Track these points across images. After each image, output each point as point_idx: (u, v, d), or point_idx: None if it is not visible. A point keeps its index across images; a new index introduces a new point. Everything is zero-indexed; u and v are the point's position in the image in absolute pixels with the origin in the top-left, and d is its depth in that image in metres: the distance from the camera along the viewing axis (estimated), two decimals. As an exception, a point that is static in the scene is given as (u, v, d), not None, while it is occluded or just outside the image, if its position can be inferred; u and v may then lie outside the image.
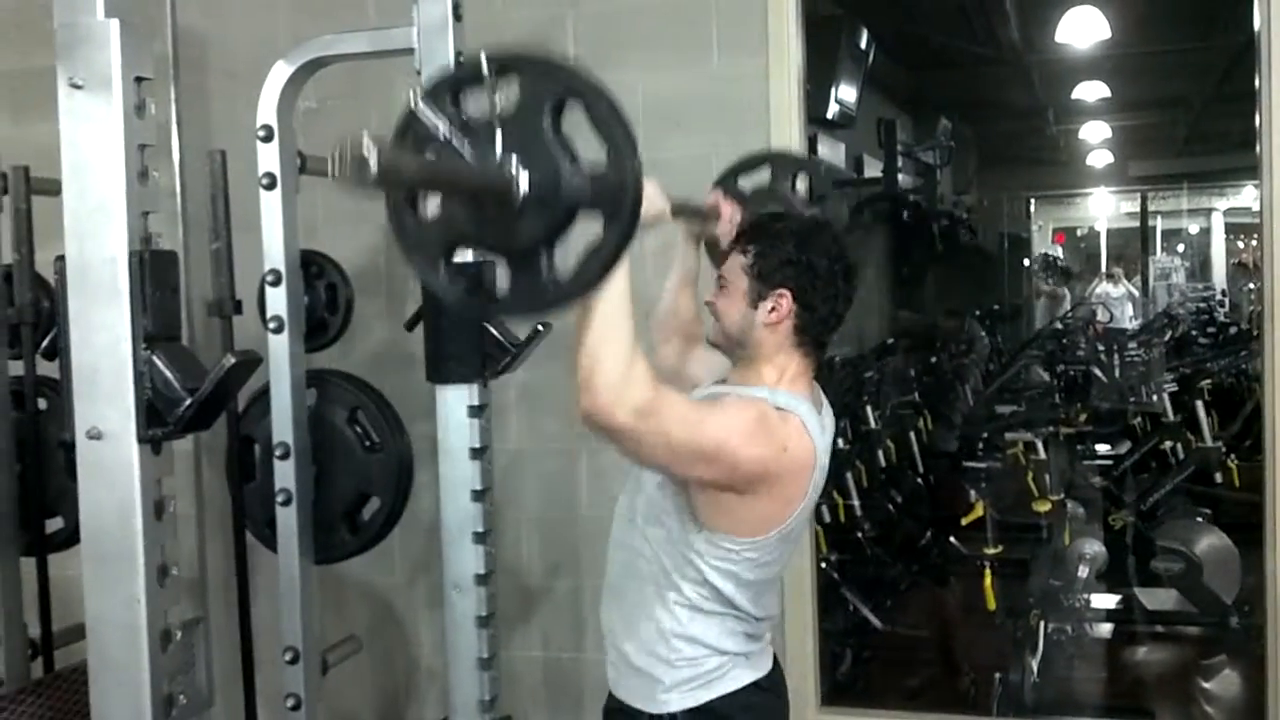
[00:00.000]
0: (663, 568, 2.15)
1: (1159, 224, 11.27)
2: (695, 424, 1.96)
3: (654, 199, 2.02)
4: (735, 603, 2.15)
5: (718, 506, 2.07)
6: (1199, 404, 5.96)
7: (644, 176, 1.91)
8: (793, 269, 2.12)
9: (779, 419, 2.06)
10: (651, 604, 2.17)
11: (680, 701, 2.17)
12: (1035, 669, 4.59)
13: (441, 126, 1.70)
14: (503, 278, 1.78)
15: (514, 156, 1.67)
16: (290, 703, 2.92)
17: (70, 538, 3.10)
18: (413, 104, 1.72)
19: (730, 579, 2.12)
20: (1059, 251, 11.87)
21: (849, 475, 5.51)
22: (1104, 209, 12.00)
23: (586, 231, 1.71)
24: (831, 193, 2.70)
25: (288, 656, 2.92)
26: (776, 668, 2.32)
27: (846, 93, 6.09)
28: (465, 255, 1.85)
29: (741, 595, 2.15)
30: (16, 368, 3.19)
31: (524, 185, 1.67)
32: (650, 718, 2.18)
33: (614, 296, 1.83)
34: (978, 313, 8.29)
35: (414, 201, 1.80)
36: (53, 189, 2.56)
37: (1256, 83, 3.16)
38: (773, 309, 2.13)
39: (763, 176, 2.67)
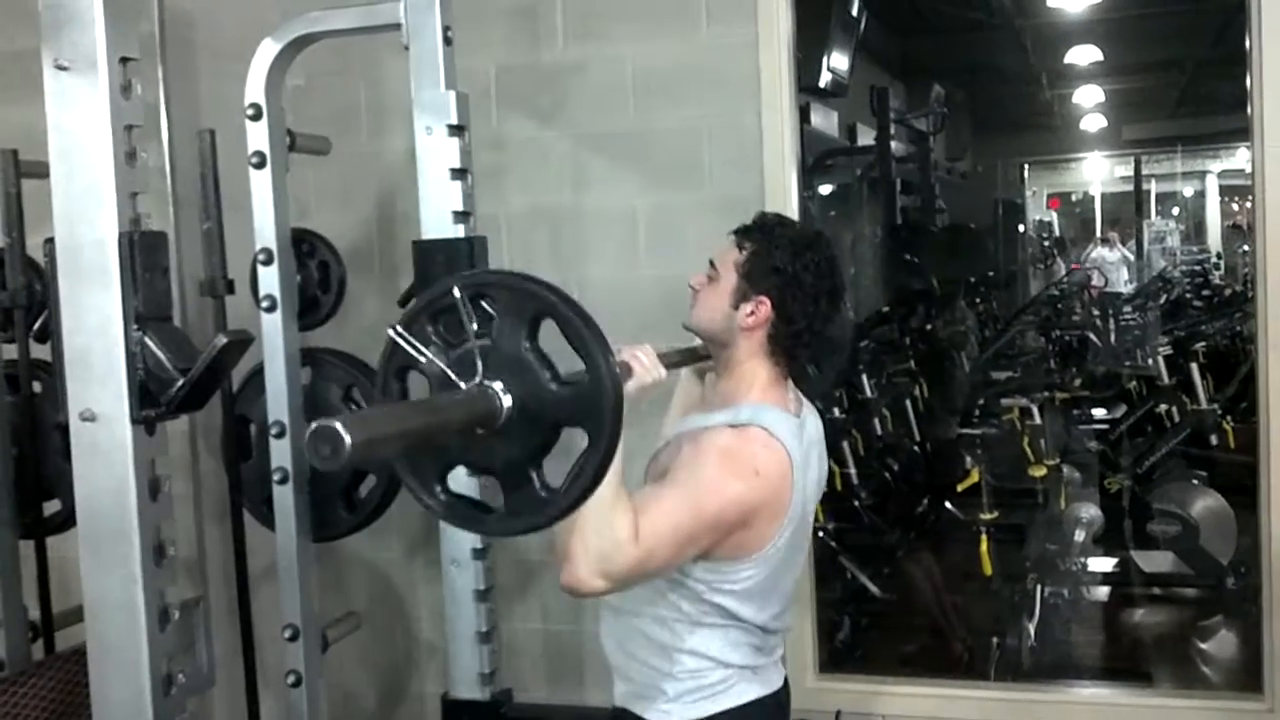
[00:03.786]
0: (655, 587, 2.13)
1: (1153, 187, 11.29)
2: (673, 537, 1.98)
3: (649, 367, 2.05)
4: (737, 615, 2.14)
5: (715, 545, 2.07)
6: (1194, 367, 5.97)
7: (637, 344, 2.00)
8: (778, 278, 2.12)
9: (739, 440, 2.06)
10: (647, 622, 2.17)
11: (682, 713, 2.16)
12: (1032, 633, 4.62)
13: (421, 356, 1.76)
14: (495, 495, 1.81)
15: (495, 376, 1.70)
16: (291, 680, 2.93)
17: (68, 520, 3.10)
18: (391, 335, 1.78)
19: (731, 596, 2.12)
20: (1054, 217, 11.88)
21: (845, 444, 5.52)
22: (1098, 173, 12.01)
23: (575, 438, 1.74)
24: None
25: (287, 634, 2.94)
26: (785, 688, 2.32)
27: (838, 61, 6.07)
28: (459, 476, 1.87)
29: (744, 607, 2.14)
30: (10, 351, 3.18)
31: (506, 403, 1.70)
32: None
33: (604, 484, 1.83)
34: (972, 280, 8.28)
35: None
36: (42, 172, 2.55)
37: (1248, 44, 3.15)
38: (751, 313, 2.14)
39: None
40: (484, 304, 1.77)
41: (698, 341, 2.31)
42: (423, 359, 1.77)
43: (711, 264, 2.21)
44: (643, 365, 2.04)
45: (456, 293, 1.75)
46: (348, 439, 1.37)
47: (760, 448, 2.06)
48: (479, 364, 1.71)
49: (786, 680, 2.33)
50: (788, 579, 2.23)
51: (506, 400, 1.69)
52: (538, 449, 1.73)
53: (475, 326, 1.74)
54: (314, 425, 1.37)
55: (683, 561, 2.04)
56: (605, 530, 1.89)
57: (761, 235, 2.17)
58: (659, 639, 2.16)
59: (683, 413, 2.43)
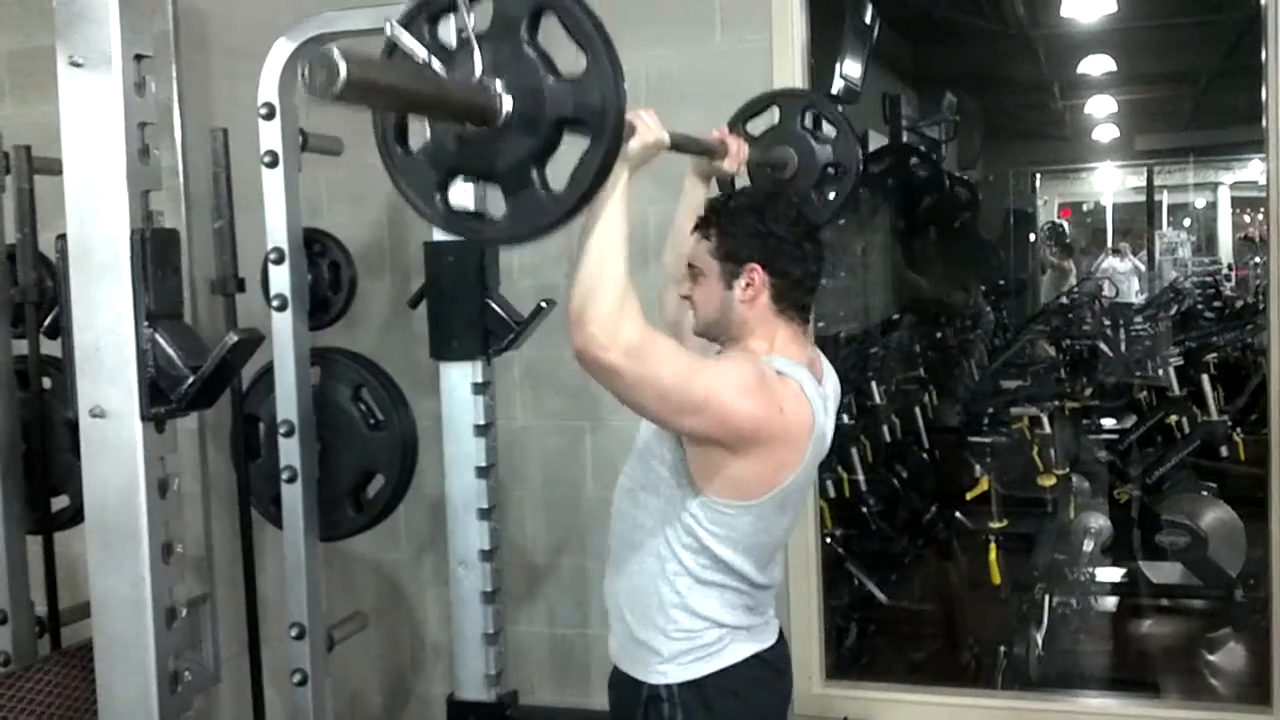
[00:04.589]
0: (663, 538, 2.15)
1: (1165, 198, 11.25)
2: (687, 371, 1.95)
3: (651, 127, 2.00)
4: (736, 569, 2.14)
5: (711, 467, 2.06)
6: (1205, 378, 5.95)
7: (642, 107, 1.94)
8: (758, 241, 2.12)
9: (777, 380, 2.06)
10: (651, 574, 2.17)
11: (679, 674, 2.16)
12: (1040, 643, 4.59)
13: (419, 51, 1.69)
14: (497, 203, 1.78)
15: (494, 75, 1.66)
16: (297, 678, 2.93)
17: (76, 516, 3.09)
18: (389, 31, 1.70)
19: (728, 544, 2.12)
20: (1065, 226, 11.85)
21: (854, 450, 5.51)
22: (1110, 183, 11.99)
23: (576, 153, 1.71)
24: (841, 125, 2.67)
25: (294, 633, 2.94)
26: (781, 642, 2.32)
27: (851, 68, 6.05)
28: (460, 187, 1.84)
29: (743, 561, 2.14)
30: (20, 347, 3.19)
31: (507, 104, 1.66)
32: (648, 689, 2.18)
33: (608, 232, 1.85)
34: (983, 288, 8.27)
35: (402, 135, 1.80)
36: (55, 168, 2.56)
37: (1263, 56, 3.14)
38: (747, 284, 2.13)
39: (773, 118, 2.65)
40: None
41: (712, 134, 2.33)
42: (420, 55, 1.70)
43: (690, 266, 2.21)
44: (645, 124, 1.99)
45: None
46: (343, 69, 1.35)
47: (793, 397, 2.06)
48: (477, 63, 1.67)
49: (782, 634, 2.33)
50: (782, 533, 2.24)
51: (507, 99, 1.66)
52: (539, 150, 1.69)
53: (473, 22, 1.69)
54: (316, 54, 1.35)
55: (672, 415, 1.99)
56: (615, 297, 1.85)
57: (718, 216, 2.17)
58: (660, 593, 2.16)
59: (688, 213, 2.41)
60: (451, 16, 1.73)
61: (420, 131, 1.80)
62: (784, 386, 2.06)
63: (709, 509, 2.10)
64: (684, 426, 2.03)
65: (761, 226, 2.12)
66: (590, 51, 1.67)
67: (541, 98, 1.67)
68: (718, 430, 2.01)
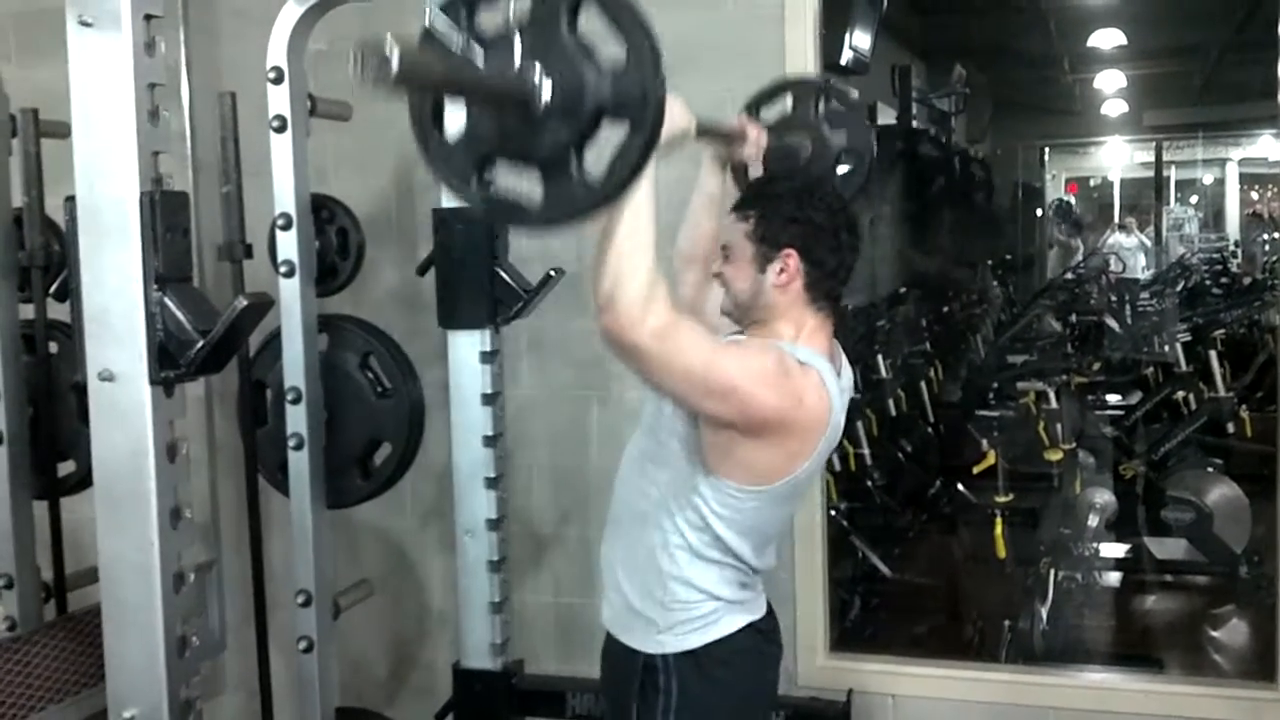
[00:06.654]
0: (666, 510, 2.15)
1: (1173, 174, 11.22)
2: (712, 356, 1.96)
3: (679, 115, 2.02)
4: (735, 550, 2.15)
5: (725, 449, 2.06)
6: (1212, 354, 5.95)
7: (668, 91, 1.91)
8: (796, 227, 2.11)
9: (799, 370, 2.05)
10: (652, 545, 2.18)
11: (675, 644, 2.18)
12: (1044, 617, 4.60)
13: (458, 38, 1.68)
14: (535, 188, 1.76)
15: (534, 63, 1.66)
16: (303, 645, 2.94)
17: (82, 481, 3.11)
18: (428, 18, 1.70)
19: (732, 526, 2.13)
20: (1072, 201, 11.82)
21: (859, 424, 5.51)
22: (1118, 159, 11.94)
23: (613, 141, 1.69)
24: (855, 112, 2.65)
25: (300, 599, 2.94)
26: (771, 614, 2.33)
27: (860, 39, 6.01)
28: (496, 170, 1.84)
29: (742, 544, 2.16)
30: (27, 311, 3.18)
31: (546, 91, 1.65)
32: (645, 658, 2.20)
33: (637, 214, 1.84)
34: (989, 262, 8.25)
35: (438, 119, 1.79)
36: (61, 132, 2.54)
37: (1278, 30, 3.12)
38: (781, 270, 2.12)
39: (786, 105, 2.63)
40: None
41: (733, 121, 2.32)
42: (458, 43, 1.69)
43: (725, 247, 2.20)
44: (671, 112, 2.01)
45: None
46: (395, 59, 1.36)
47: (813, 388, 2.06)
48: (518, 50, 1.67)
49: (771, 607, 2.34)
50: (784, 522, 2.29)
51: (546, 84, 1.66)
52: (578, 137, 1.69)
53: (514, 10, 1.69)
54: (363, 41, 1.36)
55: (695, 398, 2.00)
56: (644, 278, 1.86)
57: (759, 198, 2.17)
58: (659, 564, 2.17)
59: (705, 199, 2.43)
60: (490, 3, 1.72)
61: (455, 116, 1.78)
62: (805, 377, 2.06)
63: (718, 490, 2.10)
64: (705, 409, 2.03)
65: (801, 213, 2.11)
66: (631, 43, 1.65)
67: (581, 86, 1.66)
68: (738, 417, 2.01)
